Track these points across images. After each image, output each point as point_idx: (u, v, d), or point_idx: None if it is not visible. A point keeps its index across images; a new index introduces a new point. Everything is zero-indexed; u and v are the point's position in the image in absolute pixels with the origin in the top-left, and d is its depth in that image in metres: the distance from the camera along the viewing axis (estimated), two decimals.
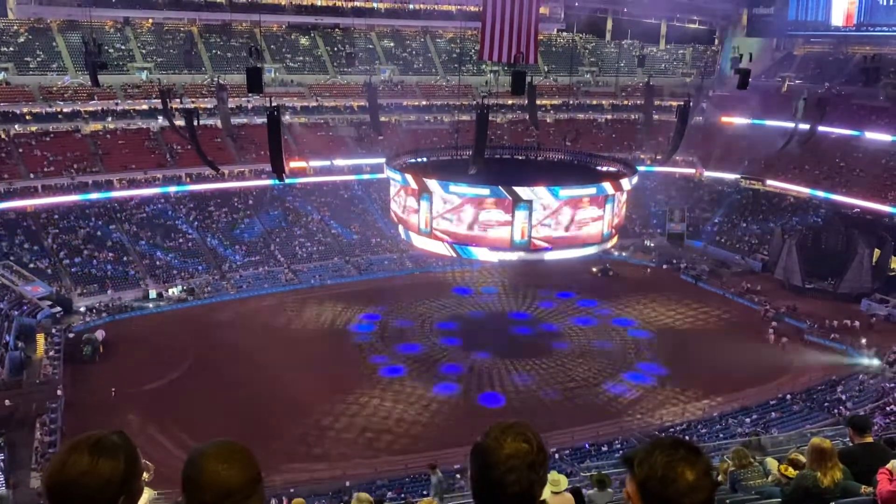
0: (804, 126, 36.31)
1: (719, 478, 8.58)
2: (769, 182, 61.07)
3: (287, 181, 48.66)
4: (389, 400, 34.63)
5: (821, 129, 39.76)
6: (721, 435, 31.85)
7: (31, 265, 45.36)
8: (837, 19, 63.45)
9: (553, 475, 7.28)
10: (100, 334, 38.84)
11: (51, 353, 37.13)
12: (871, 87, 53.87)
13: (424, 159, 38.22)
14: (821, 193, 57.18)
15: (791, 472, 7.02)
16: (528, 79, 32.04)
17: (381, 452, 30.78)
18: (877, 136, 56.97)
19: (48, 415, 31.33)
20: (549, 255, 34.35)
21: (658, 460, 2.11)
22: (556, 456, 30.08)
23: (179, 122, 39.44)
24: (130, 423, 31.88)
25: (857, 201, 54.49)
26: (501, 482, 2.18)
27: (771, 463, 7.97)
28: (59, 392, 33.52)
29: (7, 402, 32.15)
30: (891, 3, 59.06)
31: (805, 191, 58.49)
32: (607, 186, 33.03)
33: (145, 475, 2.33)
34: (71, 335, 39.94)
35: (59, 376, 35.18)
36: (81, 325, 42.18)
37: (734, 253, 57.37)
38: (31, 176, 50.20)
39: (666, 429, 32.87)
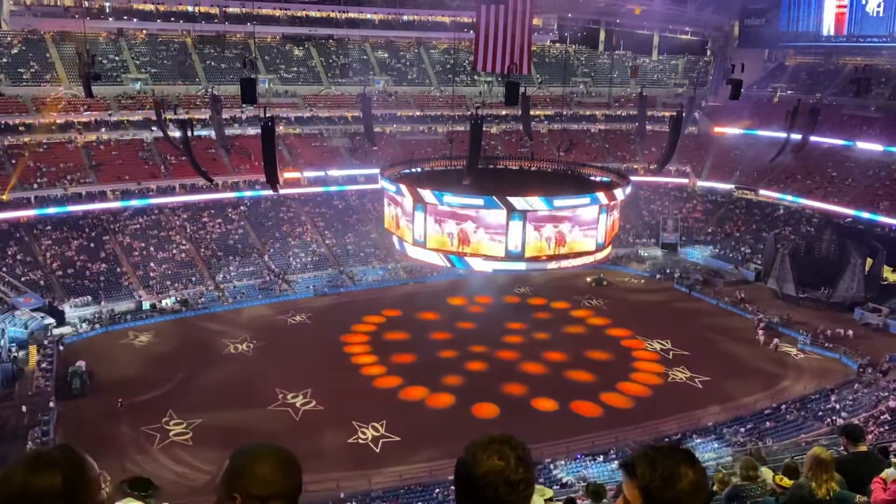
0: (796, 136, 36.48)
1: (714, 487, 8.57)
2: (762, 192, 61.35)
3: (281, 192, 48.77)
4: (385, 410, 34.47)
5: (813, 139, 39.96)
6: (716, 444, 31.89)
7: (24, 277, 45.15)
8: (828, 28, 63.91)
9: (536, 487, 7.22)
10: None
11: (43, 365, 36.87)
12: (862, 98, 54.21)
13: (419, 170, 38.26)
14: (813, 203, 57.53)
15: (786, 482, 7.01)
16: (521, 89, 32.28)
17: (376, 464, 30.63)
18: (868, 146, 57.34)
19: (40, 427, 31.10)
20: (544, 266, 34.34)
21: (659, 463, 2.15)
22: (551, 466, 30.03)
23: (173, 133, 39.43)
24: (123, 435, 31.79)
25: (849, 210, 54.81)
26: (480, 498, 2.18)
27: (765, 473, 7.95)
28: (51, 404, 33.32)
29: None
30: (880, 13, 59.58)
31: (797, 200, 58.79)
32: (601, 196, 33.08)
33: (104, 487, 2.33)
34: (62, 347, 39.67)
35: (51, 388, 34.94)
36: (74, 337, 41.98)
37: (727, 262, 57.52)
38: (35, 185, 50.03)
39: (660, 438, 32.81)
